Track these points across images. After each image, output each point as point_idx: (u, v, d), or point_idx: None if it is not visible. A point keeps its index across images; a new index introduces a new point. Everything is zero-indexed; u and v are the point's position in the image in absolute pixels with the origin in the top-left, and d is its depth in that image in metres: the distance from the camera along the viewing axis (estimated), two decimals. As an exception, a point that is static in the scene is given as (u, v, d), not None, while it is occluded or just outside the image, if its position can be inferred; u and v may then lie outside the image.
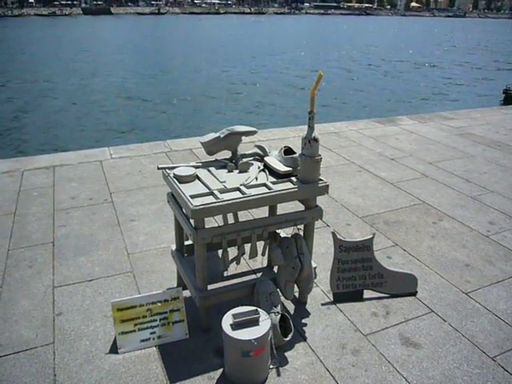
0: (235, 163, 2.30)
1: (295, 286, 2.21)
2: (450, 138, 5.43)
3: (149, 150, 4.76)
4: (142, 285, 2.52)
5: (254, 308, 1.85)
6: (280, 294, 2.18)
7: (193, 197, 1.93)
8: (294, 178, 2.11)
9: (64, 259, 2.75)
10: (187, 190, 1.99)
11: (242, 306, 1.90)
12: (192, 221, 1.94)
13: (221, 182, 2.07)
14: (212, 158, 2.40)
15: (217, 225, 1.96)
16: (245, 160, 2.33)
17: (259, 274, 2.51)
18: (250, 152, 2.42)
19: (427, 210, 3.49)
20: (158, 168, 2.16)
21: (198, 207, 1.83)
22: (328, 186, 2.09)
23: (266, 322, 1.81)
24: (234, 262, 2.12)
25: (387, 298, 2.45)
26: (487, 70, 15.51)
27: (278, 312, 1.99)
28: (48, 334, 2.15)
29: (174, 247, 2.44)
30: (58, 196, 3.62)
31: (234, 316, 1.81)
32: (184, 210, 1.94)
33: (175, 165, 2.23)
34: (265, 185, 2.06)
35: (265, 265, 2.62)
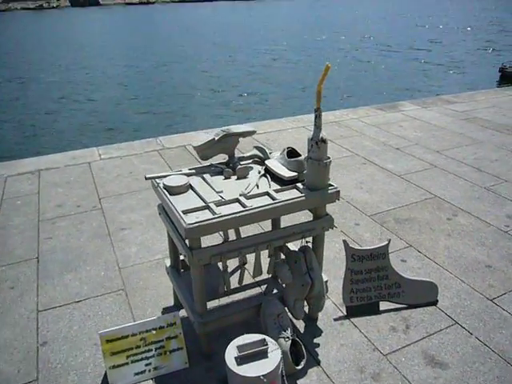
0: (232, 168, 2.05)
1: (305, 302, 1.98)
2: (455, 123, 5.18)
3: (140, 149, 4.50)
4: (136, 304, 2.29)
5: (262, 337, 1.62)
6: (289, 312, 1.95)
7: (186, 212, 1.68)
8: (300, 185, 1.86)
9: (49, 277, 2.51)
10: (179, 203, 1.74)
11: (247, 328, 1.68)
12: (187, 240, 1.71)
13: (217, 193, 1.83)
14: (207, 163, 2.15)
15: (214, 239, 1.72)
16: (243, 164, 2.08)
17: (264, 287, 2.28)
18: (248, 154, 2.18)
19: (440, 205, 3.25)
20: (146, 178, 1.91)
21: (192, 225, 1.58)
22: (339, 191, 1.85)
23: (275, 354, 1.58)
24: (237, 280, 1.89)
25: (405, 308, 2.22)
26: (478, 51, 15.16)
27: (288, 337, 1.77)
28: (31, 369, 1.92)
29: (168, 263, 2.20)
30: (43, 204, 3.37)
31: (239, 348, 1.58)
32: (177, 228, 1.70)
33: (165, 173, 1.98)
34: (267, 194, 1.81)
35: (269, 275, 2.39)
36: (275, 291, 2.10)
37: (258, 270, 1.82)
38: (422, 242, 2.79)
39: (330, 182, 1.86)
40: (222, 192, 1.83)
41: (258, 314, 1.92)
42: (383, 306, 2.22)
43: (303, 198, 1.76)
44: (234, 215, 1.64)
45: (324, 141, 1.76)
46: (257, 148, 2.20)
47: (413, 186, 3.56)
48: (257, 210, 1.68)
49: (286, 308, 1.94)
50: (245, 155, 2.17)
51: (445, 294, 2.33)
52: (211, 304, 2.22)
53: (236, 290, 2.26)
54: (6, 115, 8.16)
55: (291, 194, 1.81)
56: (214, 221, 1.62)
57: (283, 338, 1.77)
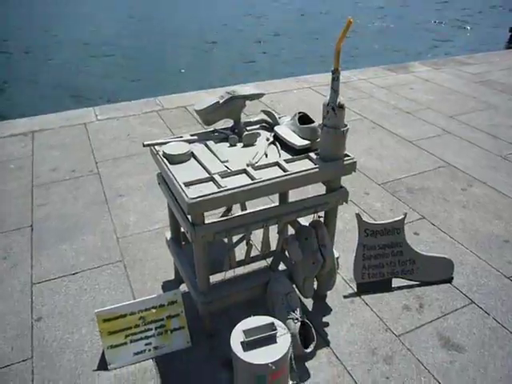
0: (238, 134, 1.88)
1: (315, 280, 1.86)
2: (468, 86, 4.93)
3: (138, 109, 4.28)
4: (135, 277, 2.18)
5: (270, 320, 1.50)
6: (297, 290, 1.83)
7: (188, 184, 1.53)
8: (312, 154, 1.70)
9: (44, 247, 2.38)
10: (180, 174, 1.58)
11: (252, 305, 1.56)
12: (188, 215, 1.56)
13: (222, 162, 1.66)
14: (210, 128, 1.98)
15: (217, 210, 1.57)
16: (250, 130, 1.91)
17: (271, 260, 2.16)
18: (255, 119, 2.00)
19: (454, 174, 3.09)
20: (144, 145, 1.74)
21: (195, 200, 1.43)
22: (356, 162, 1.69)
23: (284, 339, 1.47)
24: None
25: (419, 286, 2.11)
26: (488, 10, 14.53)
27: (297, 319, 1.65)
28: (25, 346, 1.82)
29: (168, 235, 2.06)
30: (37, 168, 3.20)
31: (246, 333, 1.46)
32: (178, 201, 1.55)
33: (165, 140, 1.81)
34: (277, 164, 1.65)
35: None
36: (283, 267, 1.98)
37: (266, 246, 1.68)
38: (436, 214, 2.65)
39: (346, 152, 1.69)
40: (227, 161, 1.67)
41: (265, 291, 1.80)
42: (396, 282, 2.11)
43: (317, 169, 1.60)
44: (241, 188, 1.49)
45: (342, 106, 1.57)
46: (264, 112, 2.01)
47: (425, 153, 3.38)
48: (266, 182, 1.52)
49: (294, 286, 1.82)
50: (251, 120, 1.99)
51: (460, 270, 2.21)
52: (214, 278, 2.10)
53: (241, 264, 2.14)
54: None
55: (303, 165, 1.64)
56: (219, 195, 1.46)
57: (292, 319, 1.66)
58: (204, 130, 1.92)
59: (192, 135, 1.89)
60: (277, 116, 1.96)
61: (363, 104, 4.36)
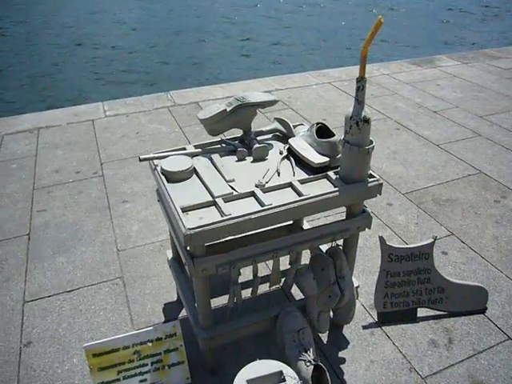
0: (248, 146, 1.67)
1: (331, 311, 1.66)
2: (500, 82, 4.60)
3: (149, 105, 4.10)
4: (134, 297, 2.00)
5: (278, 368, 1.31)
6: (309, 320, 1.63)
7: (186, 210, 1.33)
8: (332, 174, 1.48)
9: (40, 259, 2.23)
10: (179, 196, 1.39)
11: (260, 338, 1.36)
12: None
13: (227, 182, 1.46)
14: (216, 138, 1.77)
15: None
16: (261, 143, 1.70)
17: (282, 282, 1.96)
18: (268, 128, 1.78)
19: (486, 183, 2.83)
20: (140, 159, 1.54)
21: (193, 231, 1.23)
22: (382, 184, 1.46)
23: (295, 391, 1.27)
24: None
25: (447, 316, 1.89)
26: (496, 8, 13.88)
27: (310, 361, 1.45)
28: (11, 374, 1.67)
29: (169, 254, 1.88)
30: (39, 169, 3.05)
31: (250, 383, 1.27)
32: (174, 229, 1.35)
33: (164, 152, 1.61)
34: (291, 185, 1.44)
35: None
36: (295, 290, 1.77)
37: (276, 279, 1.48)
38: (466, 230, 2.40)
39: (371, 171, 1.47)
40: (233, 181, 1.46)
41: (274, 325, 1.61)
42: (421, 312, 1.89)
43: (337, 193, 1.38)
44: (247, 217, 1.28)
45: (367, 121, 1.35)
46: (278, 120, 1.80)
47: (453, 159, 3.12)
48: (278, 209, 1.31)
49: (307, 319, 1.61)
50: (263, 129, 1.78)
51: (494, 298, 1.97)
52: (218, 301, 1.92)
53: (245, 285, 1.94)
54: (6, 64, 7.65)
55: (321, 187, 1.43)
56: (221, 224, 1.26)
57: (304, 361, 1.46)
58: (210, 140, 1.72)
59: (196, 146, 1.69)
60: (291, 125, 1.74)
61: (386, 102, 4.09)
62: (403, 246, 1.78)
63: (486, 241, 2.33)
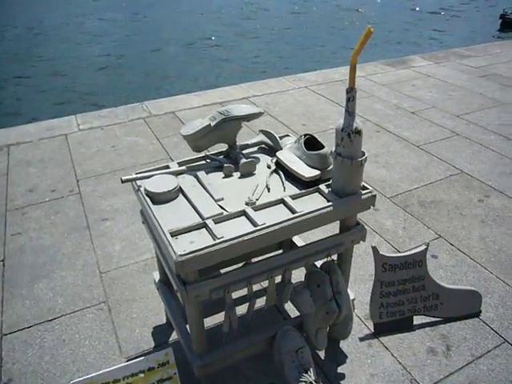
0: (234, 161, 1.61)
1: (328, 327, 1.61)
2: (473, 81, 4.68)
3: (124, 116, 3.99)
4: (121, 323, 1.91)
5: (280, 395, 1.25)
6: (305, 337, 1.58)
7: (175, 234, 1.26)
8: (323, 187, 1.43)
9: (17, 287, 2.11)
10: (166, 218, 1.31)
11: (257, 359, 1.30)
12: (178, 268, 1.29)
13: (216, 201, 1.39)
14: (200, 154, 1.70)
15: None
16: (247, 157, 1.64)
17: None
18: (253, 141, 1.73)
19: (468, 183, 2.84)
20: (123, 181, 1.46)
21: (184, 257, 1.16)
22: (375, 196, 1.43)
23: (299, 419, 1.22)
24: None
25: (443, 322, 1.87)
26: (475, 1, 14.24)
27: (311, 383, 1.40)
28: (-8, 417, 1.56)
29: (156, 277, 1.80)
30: (12, 188, 2.91)
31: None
32: (163, 254, 1.28)
33: (147, 172, 1.53)
34: (283, 202, 1.38)
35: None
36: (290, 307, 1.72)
37: (271, 298, 1.42)
38: (454, 232, 2.40)
39: (364, 183, 1.43)
40: (222, 200, 1.40)
41: (271, 345, 1.55)
42: (417, 319, 1.86)
43: (331, 208, 1.34)
44: (241, 238, 1.22)
45: (359, 132, 1.31)
46: (263, 132, 1.74)
47: (435, 159, 3.13)
48: (272, 228, 1.26)
49: (304, 336, 1.56)
50: (249, 143, 1.72)
51: (487, 300, 1.97)
52: (210, 321, 1.85)
53: (242, 319, 1.88)
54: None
55: (314, 202, 1.38)
56: (214, 248, 1.19)
57: (305, 382, 1.40)
58: (193, 157, 1.65)
59: (180, 164, 1.62)
60: (277, 137, 1.69)
61: (364, 104, 4.10)
62: (396, 255, 1.75)
63: (474, 242, 2.33)
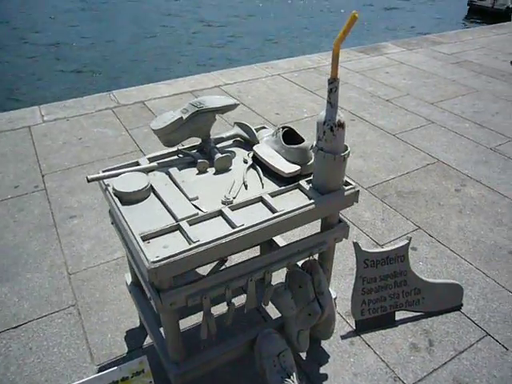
0: (208, 156, 1.52)
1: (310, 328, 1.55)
2: (446, 68, 4.68)
3: (91, 107, 3.81)
4: (92, 327, 1.80)
5: (263, 405, 1.18)
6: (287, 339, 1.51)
7: (146, 238, 1.16)
8: (304, 183, 1.36)
9: (-22, 292, 1.97)
10: (137, 220, 1.22)
11: (237, 363, 1.23)
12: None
13: (190, 200, 1.30)
14: (172, 149, 1.60)
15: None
16: (222, 151, 1.55)
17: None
18: (228, 134, 1.63)
19: (445, 172, 2.83)
20: (89, 180, 1.35)
21: (158, 264, 1.07)
22: (358, 191, 1.36)
23: (283, 429, 1.15)
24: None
25: (424, 317, 1.84)
26: None
27: (294, 388, 1.34)
28: None
29: (128, 279, 1.70)
30: (-30, 185, 2.73)
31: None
32: (135, 259, 1.18)
33: (116, 169, 1.42)
34: (261, 200, 1.30)
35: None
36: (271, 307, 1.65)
37: (251, 302, 1.35)
38: (432, 223, 2.38)
39: (346, 178, 1.37)
40: (196, 199, 1.31)
41: (252, 349, 1.48)
42: (399, 314, 1.83)
43: (313, 205, 1.26)
44: (218, 242, 1.13)
45: (341, 125, 1.24)
46: (239, 124, 1.65)
47: (411, 148, 3.11)
48: (251, 230, 1.17)
49: (285, 339, 1.50)
50: (223, 136, 1.63)
51: (468, 293, 1.95)
52: (185, 323, 1.76)
53: (222, 325, 1.80)
54: None
55: (295, 200, 1.30)
56: (190, 253, 1.10)
57: (288, 387, 1.34)
58: (165, 151, 1.55)
59: (150, 159, 1.51)
60: (253, 129, 1.60)
61: (338, 92, 4.03)
62: (379, 251, 1.70)
63: (453, 233, 2.31)
